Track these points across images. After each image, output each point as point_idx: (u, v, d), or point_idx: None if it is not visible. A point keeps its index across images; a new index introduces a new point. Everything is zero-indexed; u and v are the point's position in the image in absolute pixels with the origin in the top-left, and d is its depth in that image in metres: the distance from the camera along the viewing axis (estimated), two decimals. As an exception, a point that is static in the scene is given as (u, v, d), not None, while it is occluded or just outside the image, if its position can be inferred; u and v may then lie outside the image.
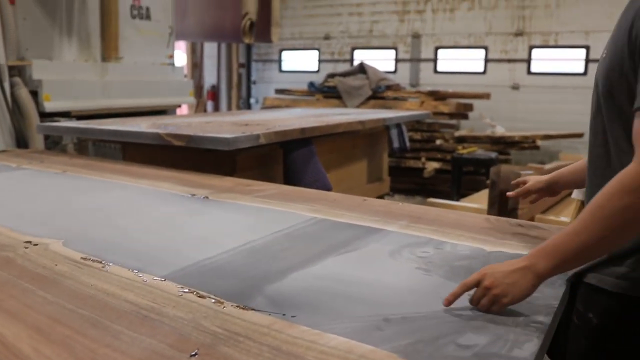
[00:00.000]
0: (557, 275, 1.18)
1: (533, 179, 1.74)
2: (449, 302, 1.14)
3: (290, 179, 3.36)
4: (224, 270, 1.36)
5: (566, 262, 1.13)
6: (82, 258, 1.42)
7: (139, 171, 2.72)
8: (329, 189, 3.47)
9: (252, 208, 2.01)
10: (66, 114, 4.90)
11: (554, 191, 1.70)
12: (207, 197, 2.17)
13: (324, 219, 1.87)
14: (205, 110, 9.11)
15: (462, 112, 7.04)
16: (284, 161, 3.38)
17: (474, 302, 1.14)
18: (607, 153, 1.28)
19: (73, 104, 4.99)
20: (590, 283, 1.30)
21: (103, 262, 1.39)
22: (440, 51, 8.31)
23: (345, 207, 2.03)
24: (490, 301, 1.12)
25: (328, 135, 3.82)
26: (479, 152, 6.35)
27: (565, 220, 2.57)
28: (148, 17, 5.90)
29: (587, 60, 7.30)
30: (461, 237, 1.68)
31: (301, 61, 9.35)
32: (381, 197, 5.36)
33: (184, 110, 8.39)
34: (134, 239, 1.63)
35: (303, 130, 3.31)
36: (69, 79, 4.98)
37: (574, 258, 1.13)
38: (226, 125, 3.34)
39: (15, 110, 4.48)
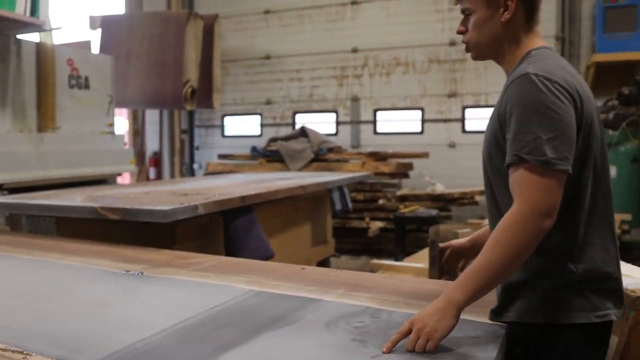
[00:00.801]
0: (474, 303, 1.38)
1: (455, 244, 1.87)
2: (388, 349, 1.31)
3: (232, 248, 3.32)
4: (154, 355, 1.32)
5: (478, 290, 1.35)
6: (1, 349, 1.35)
7: (72, 247, 2.63)
8: (271, 255, 3.45)
9: (188, 283, 1.98)
10: (-2, 187, 4.74)
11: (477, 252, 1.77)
12: (142, 273, 2.11)
13: (260, 291, 1.85)
14: (147, 178, 8.98)
15: (403, 172, 7.23)
16: (225, 230, 3.34)
17: (411, 346, 1.30)
18: (499, 214, 1.47)
19: (6, 176, 4.84)
20: (510, 320, 1.48)
21: (25, 352, 1.32)
22: (379, 113, 8.60)
23: (282, 277, 2.02)
24: (425, 340, 1.30)
25: (270, 201, 3.83)
26: (421, 210, 6.50)
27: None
28: (87, 86, 5.88)
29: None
30: (397, 303, 1.70)
31: (244, 126, 9.45)
32: (327, 259, 5.36)
33: (125, 178, 8.25)
34: (61, 324, 1.56)
35: (243, 198, 3.31)
36: (2, 150, 4.85)
37: (484, 285, 1.35)
38: (165, 196, 3.30)
39: (-57, 184, 4.30)
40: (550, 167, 1.33)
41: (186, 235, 3.15)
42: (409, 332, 1.32)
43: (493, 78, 7.67)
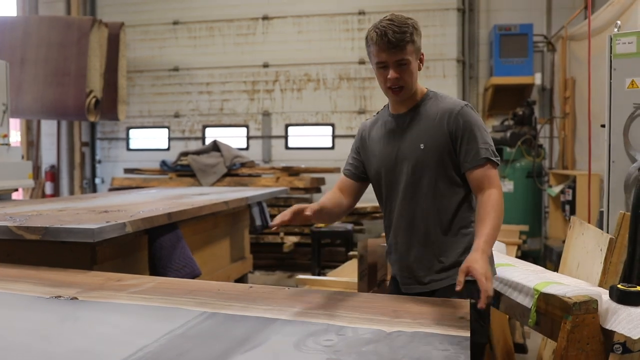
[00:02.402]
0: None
1: (304, 211, 1.98)
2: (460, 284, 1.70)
3: (157, 266, 3.17)
4: (121, 387, 1.22)
5: (492, 245, 1.91)
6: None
7: (-18, 271, 2.37)
8: (197, 274, 3.33)
9: (132, 307, 1.85)
10: None
11: (310, 218, 2.02)
12: (75, 298, 1.95)
13: (214, 312, 1.78)
14: (43, 194, 8.36)
15: (316, 186, 7.30)
16: (149, 248, 3.19)
17: (487, 289, 1.67)
18: (437, 202, 2.09)
19: None
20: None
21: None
22: (290, 128, 8.64)
23: (232, 297, 1.96)
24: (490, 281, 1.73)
25: (192, 217, 3.70)
26: (336, 224, 6.58)
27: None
28: (-22, 93, 5.39)
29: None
30: (357, 319, 1.70)
31: (150, 139, 9.09)
32: (244, 275, 5.27)
33: (19, 194, 7.63)
34: (-2, 358, 1.40)
35: (169, 215, 3.18)
36: None
37: (494, 242, 1.92)
38: (83, 213, 3.09)
39: None
40: (499, 162, 2.05)
41: (107, 254, 2.96)
42: (467, 272, 1.72)
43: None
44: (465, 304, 1.81)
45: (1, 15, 7.58)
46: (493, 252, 2.56)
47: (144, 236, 3.20)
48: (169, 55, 8.78)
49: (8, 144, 5.72)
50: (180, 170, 7.47)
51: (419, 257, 2.13)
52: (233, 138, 8.64)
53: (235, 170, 7.41)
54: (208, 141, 8.26)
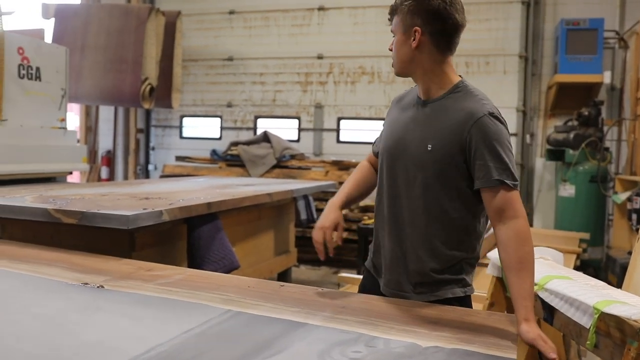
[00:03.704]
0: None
1: (332, 217, 2.04)
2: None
3: (195, 257, 3.12)
4: (124, 391, 1.12)
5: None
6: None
7: (19, 252, 2.37)
8: (236, 267, 3.26)
9: (156, 300, 1.77)
10: None
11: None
12: (102, 287, 1.89)
13: (239, 312, 1.67)
14: (99, 177, 8.56)
15: (366, 182, 7.12)
16: (189, 238, 3.13)
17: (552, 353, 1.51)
18: (437, 214, 1.82)
19: (-56, 169, 4.45)
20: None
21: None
22: (342, 121, 8.49)
23: (261, 296, 1.85)
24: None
25: (234, 208, 3.63)
26: (383, 221, 6.40)
27: (482, 294, 2.55)
28: (38, 77, 5.50)
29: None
30: (392, 329, 1.55)
31: (203, 128, 9.15)
32: (288, 269, 5.18)
33: (75, 177, 7.83)
34: (5, 348, 1.33)
35: (209, 204, 3.11)
36: (-59, 142, 4.46)
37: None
38: (124, 199, 3.06)
39: None
40: (518, 187, 1.75)
41: (146, 242, 2.93)
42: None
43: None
44: (513, 324, 1.63)
45: (65, 3, 7.77)
46: (549, 262, 2.35)
47: (182, 225, 3.15)
48: (223, 45, 8.78)
49: (65, 128, 5.84)
50: (230, 160, 7.47)
51: (395, 260, 1.89)
52: (284, 129, 8.57)
53: (284, 162, 7.34)
54: (259, 132, 8.23)
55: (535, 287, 1.97)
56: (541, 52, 7.75)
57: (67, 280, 1.96)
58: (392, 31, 1.88)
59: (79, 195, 3.20)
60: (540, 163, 7.68)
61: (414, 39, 1.80)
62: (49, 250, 2.42)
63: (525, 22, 7.75)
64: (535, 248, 2.01)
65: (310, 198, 5.17)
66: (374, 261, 2.05)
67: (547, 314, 2.01)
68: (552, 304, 1.94)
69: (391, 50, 1.89)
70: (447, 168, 1.79)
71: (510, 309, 2.32)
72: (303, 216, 4.95)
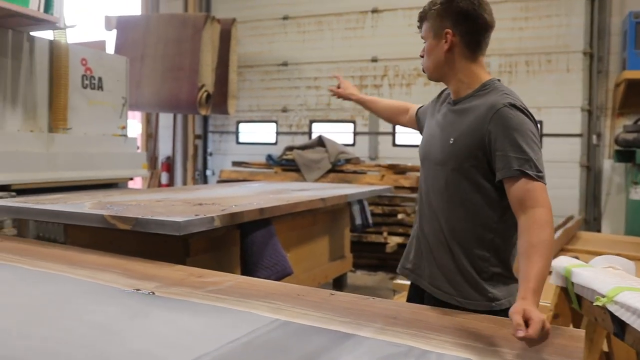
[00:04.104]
0: None
1: (350, 88, 2.71)
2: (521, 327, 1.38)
3: (248, 263, 3.11)
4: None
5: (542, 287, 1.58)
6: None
7: (78, 258, 2.42)
8: (289, 273, 3.23)
9: (204, 307, 1.75)
10: (6, 187, 4.56)
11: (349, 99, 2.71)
12: (153, 293, 1.90)
13: (287, 321, 1.63)
14: (159, 183, 8.80)
15: (422, 186, 6.98)
16: (241, 243, 3.13)
17: (537, 333, 1.37)
18: (458, 208, 1.85)
19: (14, 176, 4.66)
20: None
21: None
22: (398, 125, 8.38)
23: (310, 305, 1.80)
24: (545, 335, 1.40)
25: (288, 213, 3.61)
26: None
27: (545, 304, 2.41)
28: (100, 87, 5.71)
29: (540, 135, 7.45)
30: (446, 343, 1.47)
31: (259, 133, 9.25)
32: (344, 274, 5.13)
33: (137, 183, 8.08)
34: (55, 354, 1.34)
35: (262, 210, 3.10)
36: (11, 150, 4.67)
37: (544, 282, 1.58)
38: (178, 205, 3.10)
39: (-52, 184, 4.13)
40: (543, 180, 1.69)
41: (200, 247, 2.95)
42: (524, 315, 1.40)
43: (516, 92, 7.45)
44: (580, 340, 1.51)
45: (126, 15, 8.04)
46: (619, 272, 2.19)
47: (235, 231, 3.15)
48: (278, 50, 8.86)
49: (125, 135, 6.03)
50: (286, 164, 7.50)
51: (428, 257, 1.99)
52: (339, 134, 8.55)
53: (339, 166, 7.30)
54: (314, 136, 8.23)
55: (604, 300, 1.83)
56: (607, 48, 7.39)
57: (121, 286, 1.98)
58: (422, 38, 1.93)
59: (135, 201, 3.27)
60: (608, 165, 7.30)
61: (445, 41, 1.85)
62: (106, 256, 2.47)
63: (590, 16, 7.41)
64: (603, 257, 1.89)
65: (365, 203, 5.10)
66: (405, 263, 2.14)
67: (618, 328, 1.86)
68: (622, 318, 1.80)
69: (422, 56, 1.95)
70: (468, 161, 1.81)
71: (577, 322, 2.18)
72: (358, 221, 4.88)
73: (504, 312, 1.82)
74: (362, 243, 6.62)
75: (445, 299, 1.91)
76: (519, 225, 1.68)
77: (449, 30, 1.84)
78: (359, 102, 2.64)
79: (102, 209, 2.84)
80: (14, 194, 4.42)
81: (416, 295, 2.08)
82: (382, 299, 1.94)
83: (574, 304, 2.24)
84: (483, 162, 1.78)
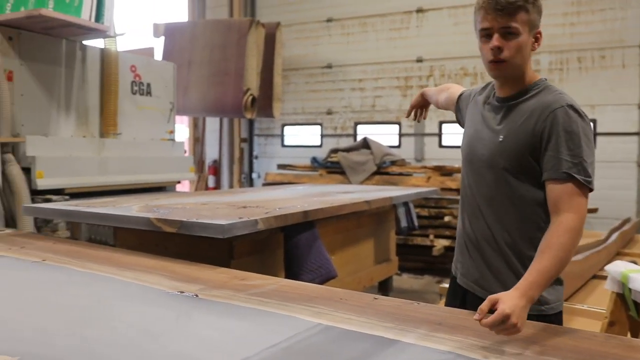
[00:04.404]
0: None
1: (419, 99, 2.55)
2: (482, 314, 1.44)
3: (292, 265, 3.11)
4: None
5: (546, 287, 1.57)
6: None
7: (125, 260, 2.47)
8: (333, 276, 3.21)
9: (246, 310, 1.75)
10: (60, 191, 4.72)
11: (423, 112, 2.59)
12: (196, 295, 1.91)
13: (329, 326, 1.60)
14: (206, 186, 8.95)
15: (469, 187, 6.83)
16: (285, 246, 3.13)
17: (498, 331, 1.43)
18: (509, 207, 1.82)
19: (68, 180, 4.81)
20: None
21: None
22: (444, 125, 8.24)
23: (353, 309, 1.77)
24: (513, 332, 1.44)
25: (332, 216, 3.59)
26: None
27: (600, 310, 2.30)
28: (149, 93, 5.84)
29: (595, 134, 7.18)
30: (492, 352, 1.41)
31: (303, 136, 9.28)
32: (389, 278, 5.07)
33: (185, 186, 8.24)
34: (98, 355, 1.36)
35: (306, 213, 3.09)
36: (65, 155, 4.83)
37: (550, 282, 1.58)
38: (222, 208, 3.12)
39: (6, 188, 4.29)
40: (590, 185, 1.65)
41: (244, 250, 2.96)
42: (490, 311, 1.44)
43: (568, 91, 7.19)
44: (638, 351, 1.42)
45: (173, 22, 8.22)
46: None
47: (280, 234, 3.15)
48: (322, 53, 8.87)
49: (173, 140, 6.14)
50: (330, 167, 7.49)
51: (476, 256, 1.95)
52: (385, 135, 8.48)
53: (385, 168, 7.24)
54: (359, 138, 8.19)
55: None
56: (665, 42, 7.06)
57: (165, 288, 2.00)
58: (513, 26, 1.71)
59: (181, 204, 3.31)
60: (667, 164, 6.97)
61: (536, 41, 1.79)
62: (152, 258, 2.51)
63: (647, 9, 7.09)
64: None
65: (411, 205, 5.03)
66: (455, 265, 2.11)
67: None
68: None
69: (500, 48, 1.72)
70: (517, 159, 1.77)
71: (634, 330, 2.07)
72: (403, 224, 4.81)
73: (555, 317, 1.80)
74: (408, 246, 6.53)
75: None
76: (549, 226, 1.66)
77: (540, 30, 1.80)
78: (424, 95, 2.54)
79: (149, 212, 2.89)
80: (67, 197, 4.56)
81: (456, 294, 2.06)
82: (426, 304, 1.89)
83: (631, 311, 2.13)
84: (533, 161, 1.74)
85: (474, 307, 1.83)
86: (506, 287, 1.83)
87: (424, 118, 2.58)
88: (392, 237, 4.99)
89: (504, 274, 1.85)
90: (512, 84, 1.83)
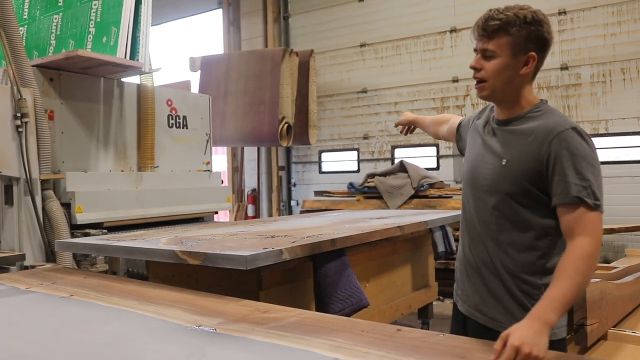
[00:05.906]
0: None
1: (407, 115, 2.68)
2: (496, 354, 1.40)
3: (322, 294, 3.03)
4: None
5: (564, 311, 1.53)
6: None
7: (151, 293, 2.46)
8: (365, 305, 3.11)
9: (262, 345, 1.70)
10: (98, 225, 4.81)
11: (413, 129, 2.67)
12: (215, 330, 1.87)
13: (345, 361, 1.53)
14: (246, 215, 9.00)
15: (512, 208, 6.62)
16: (314, 275, 3.06)
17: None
18: (513, 231, 1.81)
19: (106, 214, 4.91)
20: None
21: None
22: (483, 145, 8.08)
23: (374, 342, 1.69)
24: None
25: (364, 243, 3.51)
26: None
27: (637, 335, 2.14)
28: (185, 125, 5.94)
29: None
30: (519, 389, 1.31)
31: (341, 162, 9.25)
32: (429, 304, 4.91)
33: (224, 215, 8.30)
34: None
35: (333, 241, 3.02)
36: (103, 189, 4.94)
37: (568, 306, 1.54)
38: (250, 238, 3.10)
39: (47, 223, 4.40)
40: (600, 209, 1.65)
41: (273, 280, 2.91)
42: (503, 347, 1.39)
43: (612, 104, 6.94)
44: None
45: (209, 55, 8.40)
46: None
47: (309, 263, 3.10)
48: (357, 78, 8.88)
49: (210, 171, 6.21)
50: (367, 192, 7.41)
51: (476, 282, 1.95)
52: (423, 158, 8.36)
53: (423, 191, 7.11)
54: (397, 162, 8.10)
55: None
56: None
57: (184, 322, 1.97)
58: (489, 49, 1.78)
59: (211, 235, 3.31)
60: None
61: (526, 65, 1.78)
62: (176, 291, 2.49)
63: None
64: None
65: (449, 229, 4.89)
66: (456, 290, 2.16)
67: None
68: None
69: (477, 69, 1.81)
70: (521, 183, 1.77)
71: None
72: (441, 248, 4.68)
73: (558, 343, 1.80)
74: (449, 270, 6.34)
75: (492, 326, 1.85)
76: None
77: (534, 55, 1.78)
78: (415, 123, 2.64)
79: (176, 244, 2.89)
80: (105, 230, 4.64)
81: (459, 321, 2.05)
82: (452, 335, 1.79)
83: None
84: (537, 185, 1.75)
85: (474, 334, 1.84)
86: (507, 313, 1.81)
87: (411, 132, 2.69)
88: (431, 262, 4.85)
89: (504, 299, 1.82)
90: (508, 107, 1.85)
